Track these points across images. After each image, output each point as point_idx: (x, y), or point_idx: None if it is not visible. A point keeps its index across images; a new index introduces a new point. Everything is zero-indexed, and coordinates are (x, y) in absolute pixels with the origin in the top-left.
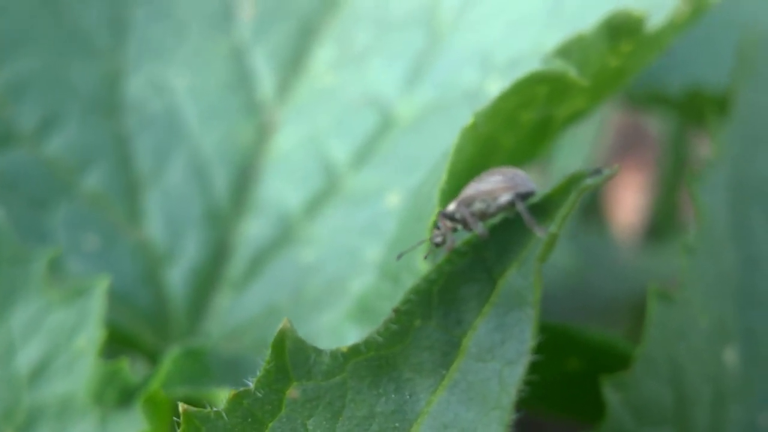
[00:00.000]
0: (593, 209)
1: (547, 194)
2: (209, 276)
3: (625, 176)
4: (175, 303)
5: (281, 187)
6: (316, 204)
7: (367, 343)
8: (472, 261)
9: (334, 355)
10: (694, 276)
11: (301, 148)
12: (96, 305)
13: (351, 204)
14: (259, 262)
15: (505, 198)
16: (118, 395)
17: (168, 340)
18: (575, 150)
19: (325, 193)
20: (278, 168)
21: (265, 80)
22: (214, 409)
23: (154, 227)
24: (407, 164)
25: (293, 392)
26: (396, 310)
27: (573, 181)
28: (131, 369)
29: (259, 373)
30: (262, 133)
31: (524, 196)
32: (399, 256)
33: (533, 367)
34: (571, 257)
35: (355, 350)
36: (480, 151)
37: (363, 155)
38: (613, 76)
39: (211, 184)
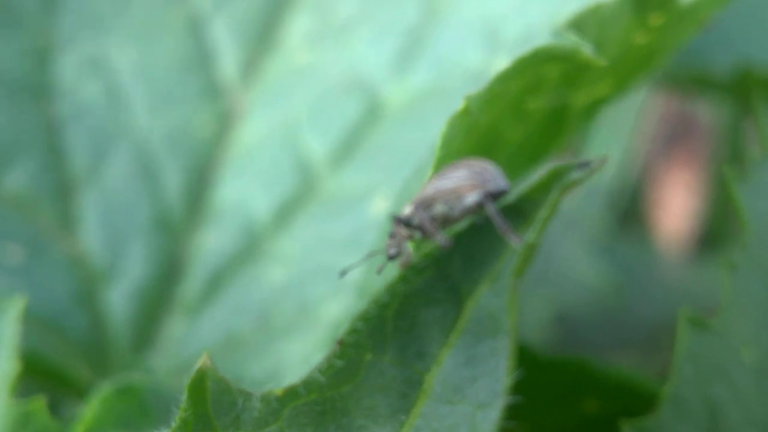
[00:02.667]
0: (632, 214)
1: (524, 193)
2: (158, 297)
3: (671, 173)
4: (116, 330)
5: (246, 190)
6: (287, 211)
7: (307, 384)
8: (433, 278)
9: (266, 399)
10: (737, 299)
11: (271, 142)
12: (8, 332)
13: (329, 211)
14: (217, 281)
15: (471, 198)
16: None
17: (107, 375)
18: (610, 142)
19: (299, 197)
20: (242, 166)
21: (228, 58)
22: None
23: (91, 237)
24: (397, 162)
25: None
26: (341, 342)
27: (555, 176)
28: (56, 410)
29: (173, 424)
30: (224, 122)
31: (495, 196)
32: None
33: (544, 408)
34: (603, 274)
35: (292, 393)
36: (478, 144)
37: (345, 151)
38: (641, 56)
39: (161, 185)
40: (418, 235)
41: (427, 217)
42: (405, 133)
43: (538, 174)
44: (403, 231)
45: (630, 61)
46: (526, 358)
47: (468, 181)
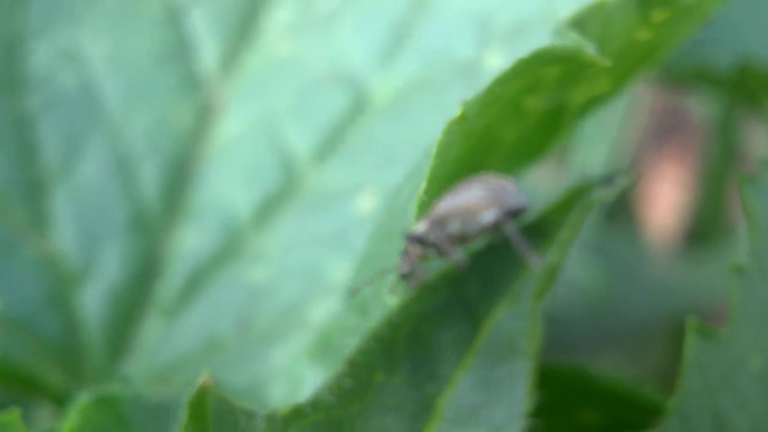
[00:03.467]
0: (621, 209)
1: (545, 211)
2: (134, 299)
3: (661, 168)
4: (90, 333)
5: (226, 187)
6: (269, 208)
7: (315, 404)
8: (448, 299)
9: (271, 419)
10: (745, 305)
11: (252, 137)
12: None
13: (313, 208)
14: (196, 281)
15: (488, 216)
16: None
17: (81, 380)
18: (599, 138)
19: (282, 194)
20: (222, 161)
21: (207, 49)
22: None
23: (64, 236)
24: (384, 157)
25: None
26: (351, 362)
27: (578, 194)
28: (27, 415)
29: None
30: (203, 115)
31: (513, 214)
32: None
33: (541, 418)
34: (591, 270)
35: (298, 413)
36: (472, 148)
37: (329, 145)
38: (642, 52)
39: (137, 182)
40: (432, 253)
41: (443, 235)
42: (392, 127)
43: (559, 193)
44: (417, 249)
45: (631, 57)
46: None
47: (485, 199)
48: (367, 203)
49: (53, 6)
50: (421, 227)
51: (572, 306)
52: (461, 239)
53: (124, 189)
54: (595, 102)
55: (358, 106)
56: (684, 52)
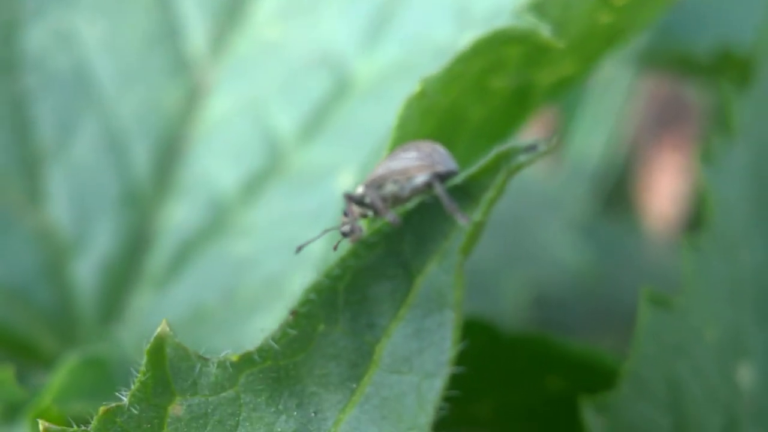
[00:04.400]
0: (619, 195)
1: (471, 174)
2: (125, 270)
3: (661, 156)
4: (83, 302)
5: (213, 164)
6: (255, 185)
7: (262, 352)
8: (384, 254)
9: (223, 365)
10: (699, 279)
11: (239, 117)
12: None
13: (297, 186)
14: (184, 254)
15: (420, 179)
16: (2, 410)
17: (73, 346)
18: (597, 125)
19: (267, 172)
20: (210, 140)
21: (197, 31)
22: (82, 427)
23: (59, 210)
24: (365, 137)
25: (176, 408)
26: (294, 313)
27: (502, 159)
28: (23, 380)
29: (133, 386)
30: (192, 96)
31: (444, 177)
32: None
33: (507, 385)
34: (585, 255)
35: (247, 360)
36: (439, 123)
37: (313, 126)
38: (605, 35)
39: (129, 159)
40: (370, 213)
41: (378, 196)
42: (373, 108)
43: (486, 157)
44: (356, 209)
45: (595, 39)
46: (488, 336)
47: (418, 162)
48: (346, 180)
49: None
50: (359, 189)
51: (566, 289)
52: (396, 200)
53: (116, 166)
54: (563, 83)
55: (341, 88)
56: (669, 38)
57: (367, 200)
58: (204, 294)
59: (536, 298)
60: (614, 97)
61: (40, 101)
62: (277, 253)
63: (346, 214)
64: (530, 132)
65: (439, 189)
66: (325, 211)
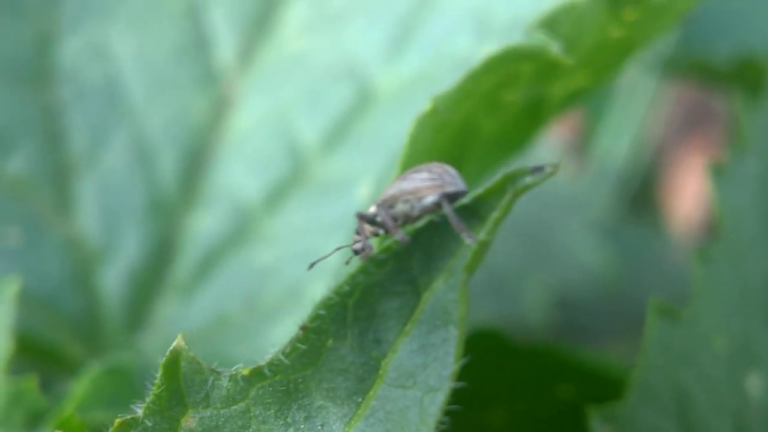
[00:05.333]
0: (644, 198)
1: (479, 194)
2: (151, 278)
3: (687, 159)
4: (109, 310)
5: (238, 174)
6: (278, 195)
7: (272, 366)
8: (392, 271)
9: (234, 378)
10: (708, 289)
11: (264, 127)
12: (3, 312)
13: (318, 195)
14: (209, 262)
15: (430, 198)
16: (25, 418)
17: (99, 354)
18: (623, 128)
19: (290, 181)
20: (236, 150)
21: (225, 44)
22: None
23: (87, 219)
24: (386, 148)
25: (189, 421)
26: (304, 328)
27: (509, 180)
28: (49, 387)
29: (147, 398)
30: (219, 108)
31: (453, 197)
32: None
33: (518, 394)
34: (608, 258)
35: (258, 373)
36: (453, 138)
37: (336, 136)
38: (617, 49)
39: (157, 169)
40: (381, 232)
41: (389, 215)
42: (394, 119)
43: (493, 178)
44: (368, 228)
45: (606, 53)
46: (499, 345)
47: (428, 183)
48: (367, 191)
49: (84, 5)
50: (371, 208)
51: (588, 292)
52: (406, 219)
53: (144, 176)
54: (576, 95)
55: (364, 99)
56: (690, 46)
57: (379, 219)
58: (227, 302)
59: (558, 300)
60: (640, 101)
61: (73, 112)
62: (298, 262)
63: (358, 232)
64: (555, 135)
65: (447, 209)
66: (346, 220)
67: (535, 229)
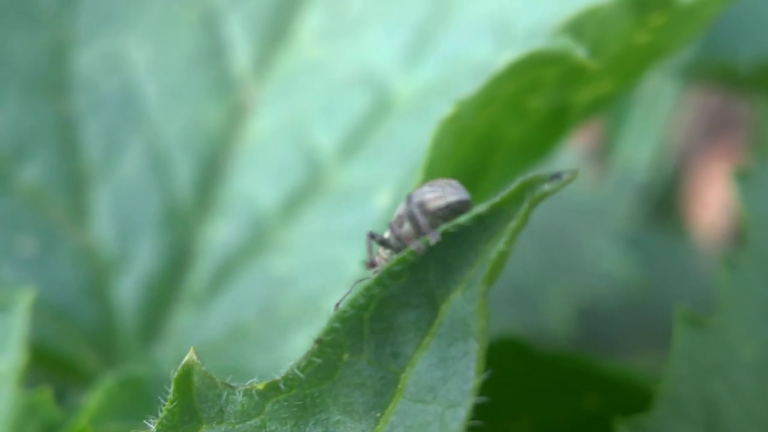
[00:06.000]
0: (667, 205)
1: (496, 203)
2: (166, 288)
3: (710, 166)
4: (124, 320)
5: (255, 183)
6: (295, 204)
7: (288, 380)
8: (408, 283)
9: (249, 393)
10: (735, 297)
11: (281, 135)
12: (17, 323)
13: (335, 204)
14: (225, 272)
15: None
16: (40, 430)
17: (114, 365)
18: (645, 134)
19: (307, 190)
20: (252, 159)
21: (241, 52)
22: None
23: (102, 228)
24: (404, 156)
25: None
26: (319, 341)
27: (526, 188)
28: (63, 398)
29: (160, 414)
30: (235, 116)
31: (457, 207)
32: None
33: (544, 404)
34: (632, 267)
35: (273, 388)
36: (475, 145)
37: (353, 145)
38: (643, 54)
39: (172, 178)
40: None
41: (399, 234)
42: (413, 127)
43: (510, 186)
44: (384, 253)
45: (633, 59)
46: (523, 354)
47: (430, 195)
48: (384, 200)
49: (100, 14)
50: (386, 235)
51: (612, 302)
52: (417, 234)
53: (159, 185)
54: (601, 101)
55: (382, 107)
56: (712, 51)
57: (392, 243)
58: (243, 312)
59: (581, 311)
60: (662, 107)
61: (88, 122)
62: (315, 272)
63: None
64: (576, 142)
65: (413, 209)
66: (363, 230)
67: (556, 238)
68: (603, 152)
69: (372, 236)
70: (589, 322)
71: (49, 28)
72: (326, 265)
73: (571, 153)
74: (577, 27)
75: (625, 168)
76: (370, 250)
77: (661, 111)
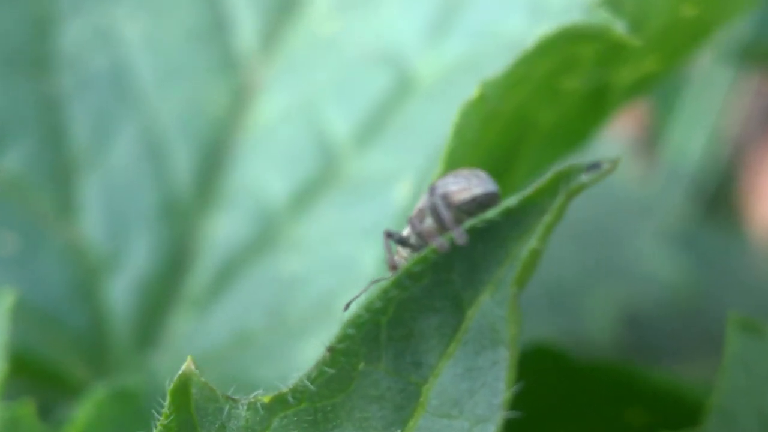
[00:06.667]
0: (722, 201)
1: (528, 196)
2: (163, 290)
3: None
4: (117, 325)
5: (262, 173)
6: (307, 196)
7: (296, 393)
8: (431, 285)
9: (253, 407)
10: None
11: (291, 120)
12: None
13: (352, 196)
14: (229, 272)
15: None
16: None
17: (105, 375)
18: (697, 123)
19: (320, 181)
20: (259, 146)
21: (246, 27)
22: None
23: (92, 224)
24: (428, 142)
25: None
26: (331, 349)
27: (562, 179)
28: (49, 411)
29: (155, 429)
30: (240, 98)
31: (483, 201)
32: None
33: (583, 419)
34: (683, 268)
35: (280, 401)
36: (504, 131)
37: (371, 129)
38: (691, 29)
39: (170, 167)
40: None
41: (420, 231)
42: (437, 110)
43: (543, 176)
44: (403, 252)
45: (679, 34)
46: (561, 364)
47: (454, 186)
48: (404, 191)
49: None
50: (404, 232)
51: (660, 308)
52: (441, 229)
53: (155, 175)
54: (645, 82)
55: (403, 87)
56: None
57: (413, 241)
58: (249, 316)
59: (626, 317)
60: (716, 93)
61: (75, 104)
62: (329, 271)
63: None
64: (620, 130)
65: (437, 201)
66: (382, 224)
67: (599, 237)
68: (650, 142)
69: (389, 235)
70: (634, 329)
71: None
72: (340, 264)
73: (614, 142)
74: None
75: (674, 159)
76: (389, 250)
77: (715, 97)
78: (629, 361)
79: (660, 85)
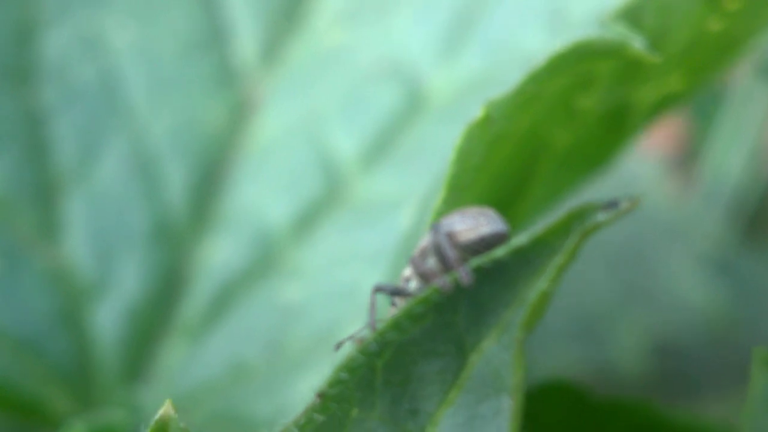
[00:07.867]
0: (761, 224)
1: (539, 235)
2: (154, 318)
3: None
4: (103, 356)
5: (261, 194)
6: (309, 219)
7: None
8: (432, 327)
9: None
10: None
11: (293, 138)
12: None
13: (359, 220)
14: (225, 300)
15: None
16: None
17: (90, 409)
18: (736, 143)
19: (323, 203)
20: (258, 165)
21: (246, 37)
22: None
23: (77, 246)
24: (439, 164)
25: None
26: (321, 395)
27: (575, 218)
28: None
29: None
30: (238, 113)
31: (491, 241)
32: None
33: None
34: (719, 295)
35: None
36: (514, 154)
37: (379, 149)
38: (717, 44)
39: (162, 187)
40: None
41: (423, 271)
42: (450, 129)
43: (555, 215)
44: (399, 302)
45: (704, 50)
46: (576, 402)
47: (460, 226)
48: (412, 216)
49: None
50: (405, 272)
51: (694, 337)
52: (444, 270)
53: (146, 194)
54: (668, 102)
55: (414, 105)
56: None
57: (412, 286)
58: (246, 347)
59: (656, 346)
60: (757, 109)
61: (60, 117)
62: (331, 300)
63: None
64: (655, 148)
65: (441, 239)
66: (389, 250)
67: (630, 261)
68: (687, 160)
69: (378, 289)
70: (665, 358)
71: (12, 4)
72: (343, 292)
73: (647, 160)
74: (634, 13)
75: (713, 179)
76: (372, 309)
77: (755, 113)
78: (651, 399)
79: (697, 101)
